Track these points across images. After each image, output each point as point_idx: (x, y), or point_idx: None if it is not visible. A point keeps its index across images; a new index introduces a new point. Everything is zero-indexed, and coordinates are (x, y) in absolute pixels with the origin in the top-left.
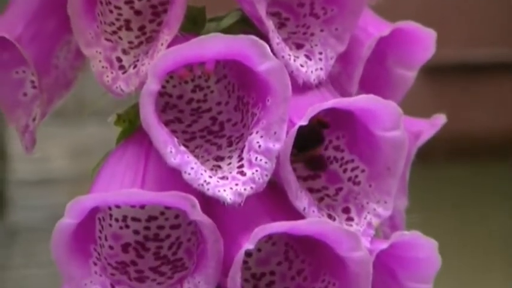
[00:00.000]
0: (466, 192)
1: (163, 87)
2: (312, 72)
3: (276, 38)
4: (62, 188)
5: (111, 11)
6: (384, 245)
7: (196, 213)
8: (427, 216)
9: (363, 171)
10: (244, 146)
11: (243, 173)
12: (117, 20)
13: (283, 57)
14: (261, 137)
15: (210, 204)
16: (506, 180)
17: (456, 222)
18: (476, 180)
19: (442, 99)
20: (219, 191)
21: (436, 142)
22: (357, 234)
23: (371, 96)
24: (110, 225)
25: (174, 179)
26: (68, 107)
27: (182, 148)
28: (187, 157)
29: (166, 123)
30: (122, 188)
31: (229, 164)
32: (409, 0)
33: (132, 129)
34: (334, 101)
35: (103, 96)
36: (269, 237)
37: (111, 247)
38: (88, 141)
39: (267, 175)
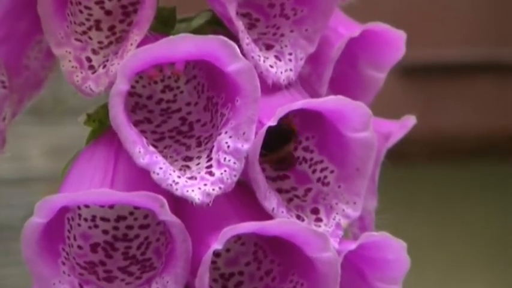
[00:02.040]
0: (442, 191)
1: (132, 87)
2: (281, 73)
3: (245, 38)
4: (40, 187)
5: (81, 11)
6: (352, 246)
7: (165, 213)
8: (401, 216)
9: (332, 172)
10: (213, 147)
11: (211, 173)
12: (87, 20)
13: (252, 57)
14: (230, 137)
15: (179, 204)
16: (486, 178)
17: (433, 221)
18: (452, 179)
19: (418, 100)
20: (187, 191)
21: (411, 142)
22: (325, 235)
23: (340, 97)
24: (79, 224)
25: (143, 179)
26: (46, 106)
27: (151, 148)
28: (156, 157)
29: (136, 124)
30: (91, 187)
31: (198, 164)
32: (384, 0)
33: (102, 129)
34: (304, 102)
35: (79, 95)
36: (238, 238)
37: (79, 247)
38: (67, 140)
39: (235, 175)
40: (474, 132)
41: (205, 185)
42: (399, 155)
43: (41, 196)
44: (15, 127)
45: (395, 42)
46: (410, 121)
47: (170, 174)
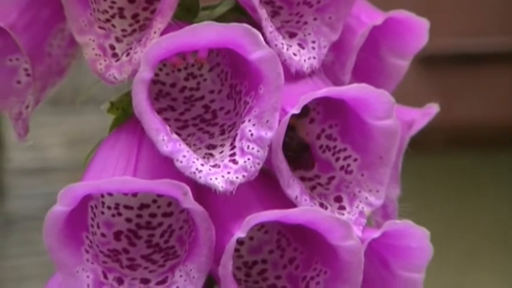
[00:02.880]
0: (462, 181)
1: (156, 75)
2: (304, 61)
3: (269, 26)
4: (58, 177)
5: None
6: (375, 234)
7: (188, 201)
8: (422, 205)
9: (355, 160)
10: (236, 135)
11: (235, 161)
12: (111, 7)
13: (276, 45)
14: (254, 125)
15: (202, 192)
16: (503, 169)
17: (452, 211)
18: (472, 169)
19: (439, 89)
20: (210, 179)
21: (432, 131)
22: (348, 223)
23: (363, 85)
24: (102, 212)
25: (167, 167)
26: (64, 95)
27: (174, 136)
28: (180, 145)
29: (159, 111)
30: (114, 175)
31: (222, 152)
32: None
33: (125, 117)
34: (327, 90)
35: (100, 84)
36: (261, 226)
37: (103, 235)
38: (85, 130)
39: (259, 163)
40: (493, 122)
41: (228, 173)
42: (416, 144)
43: (59, 186)
44: (34, 117)
45: (418, 30)
46: (433, 109)
47: (193, 162)
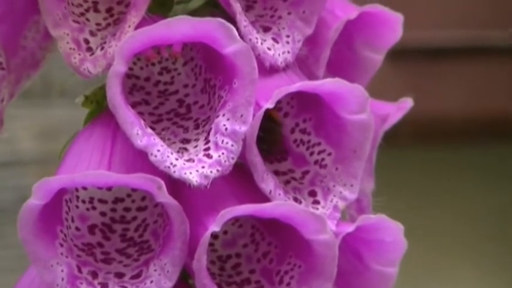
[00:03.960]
0: (429, 173)
1: (130, 69)
2: (279, 55)
3: (243, 20)
4: (30, 170)
5: None
6: (350, 228)
7: (163, 195)
8: (391, 198)
9: (329, 154)
10: (210, 129)
11: (209, 156)
12: (85, 1)
13: (250, 40)
14: (228, 119)
15: (177, 186)
16: (469, 160)
17: (419, 203)
18: (439, 161)
19: (408, 82)
20: (185, 173)
21: (401, 125)
22: (322, 217)
23: (337, 79)
24: (77, 206)
25: (141, 161)
26: (35, 88)
27: (149, 130)
28: (154, 139)
29: (133, 105)
30: (88, 169)
31: (196, 146)
32: None
33: (99, 111)
34: (301, 84)
35: (71, 77)
36: (235, 220)
37: (77, 228)
38: (56, 123)
39: (233, 158)
40: (462, 114)
41: (203, 167)
42: (387, 137)
43: (31, 179)
44: (5, 109)
45: (393, 24)
46: (407, 103)
47: (168, 156)
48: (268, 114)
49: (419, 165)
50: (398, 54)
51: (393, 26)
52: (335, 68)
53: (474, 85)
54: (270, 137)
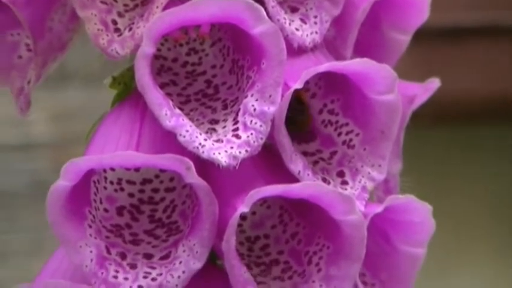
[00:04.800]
0: (445, 154)
1: (158, 50)
2: (307, 35)
3: (271, 1)
4: (43, 153)
5: None
6: (378, 209)
7: (191, 176)
8: (414, 179)
9: (357, 134)
10: (239, 109)
11: (238, 136)
12: None
13: (278, 20)
14: (256, 100)
15: (205, 167)
16: (489, 141)
17: (440, 186)
18: (459, 142)
19: (425, 63)
20: (214, 153)
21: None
22: (351, 198)
23: (365, 59)
24: (105, 187)
25: (169, 142)
26: (49, 72)
27: (177, 111)
28: (182, 120)
29: (161, 86)
30: (117, 150)
31: (224, 127)
32: None
33: (127, 92)
34: (329, 65)
35: (83, 59)
36: (264, 201)
37: (106, 210)
38: (69, 106)
39: (261, 138)
40: (485, 96)
41: (231, 147)
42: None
43: (44, 162)
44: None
45: (419, 5)
46: (434, 84)
47: (196, 137)
48: (296, 95)
49: (438, 146)
50: (414, 35)
51: (420, 7)
52: (362, 49)
53: (491, 66)
54: (298, 117)
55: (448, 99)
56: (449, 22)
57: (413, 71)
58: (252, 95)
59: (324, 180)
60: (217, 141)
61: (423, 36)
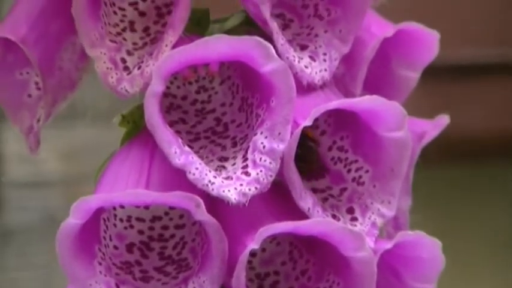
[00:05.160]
0: (457, 192)
1: (167, 88)
2: (316, 73)
3: (280, 39)
4: (54, 190)
5: (115, 12)
6: (388, 245)
7: (201, 213)
8: (422, 216)
9: (367, 171)
10: (248, 147)
11: (247, 173)
12: (122, 21)
13: (287, 58)
14: (266, 137)
15: (215, 204)
16: (501, 181)
17: (451, 222)
18: (470, 181)
19: (436, 100)
20: (223, 191)
21: (429, 142)
22: (361, 234)
23: (375, 97)
24: (115, 225)
25: (179, 179)
26: (59, 110)
27: (187, 149)
28: (192, 157)
29: (171, 124)
30: (127, 188)
31: (234, 164)
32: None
33: (136, 130)
34: (339, 102)
35: (92, 98)
36: (274, 237)
37: (115, 247)
38: (79, 144)
39: (271, 175)
40: (494, 133)
41: (241, 185)
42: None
43: (54, 199)
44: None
45: (429, 42)
46: (443, 120)
47: (206, 175)
48: (305, 132)
49: (446, 183)
50: (426, 71)
51: (429, 44)
52: (371, 86)
53: (503, 103)
54: (307, 155)
55: (460, 136)
56: (459, 58)
57: (421, 108)
58: (261, 133)
59: (334, 216)
60: (227, 178)
61: (435, 72)
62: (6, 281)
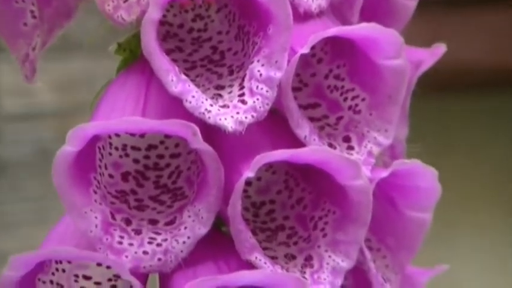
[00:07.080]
0: (452, 124)
1: (164, 16)
2: (313, 1)
3: None
4: (48, 123)
5: None
6: (384, 174)
7: (197, 141)
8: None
9: (363, 99)
10: (245, 75)
11: (244, 102)
12: None
13: None
14: (262, 65)
15: (211, 133)
16: (492, 111)
17: (443, 151)
18: (462, 112)
19: (430, 31)
20: (220, 119)
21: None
22: (357, 163)
23: (373, 24)
24: (110, 153)
25: (175, 107)
26: (54, 40)
27: (183, 77)
28: (189, 85)
29: (167, 52)
30: (123, 116)
31: (230, 92)
32: None
33: (133, 59)
34: (336, 29)
35: (87, 29)
36: (269, 166)
37: (111, 176)
38: (73, 76)
39: (268, 103)
40: (485, 64)
41: (237, 113)
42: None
43: (48, 132)
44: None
45: None
46: (440, 49)
47: (203, 103)
48: None
49: (441, 114)
50: (419, 2)
51: None
52: (369, 14)
53: (497, 34)
54: None
55: (456, 67)
56: None
57: (417, 39)
58: (258, 61)
59: (330, 145)
60: (224, 106)
61: (428, 3)
62: None
